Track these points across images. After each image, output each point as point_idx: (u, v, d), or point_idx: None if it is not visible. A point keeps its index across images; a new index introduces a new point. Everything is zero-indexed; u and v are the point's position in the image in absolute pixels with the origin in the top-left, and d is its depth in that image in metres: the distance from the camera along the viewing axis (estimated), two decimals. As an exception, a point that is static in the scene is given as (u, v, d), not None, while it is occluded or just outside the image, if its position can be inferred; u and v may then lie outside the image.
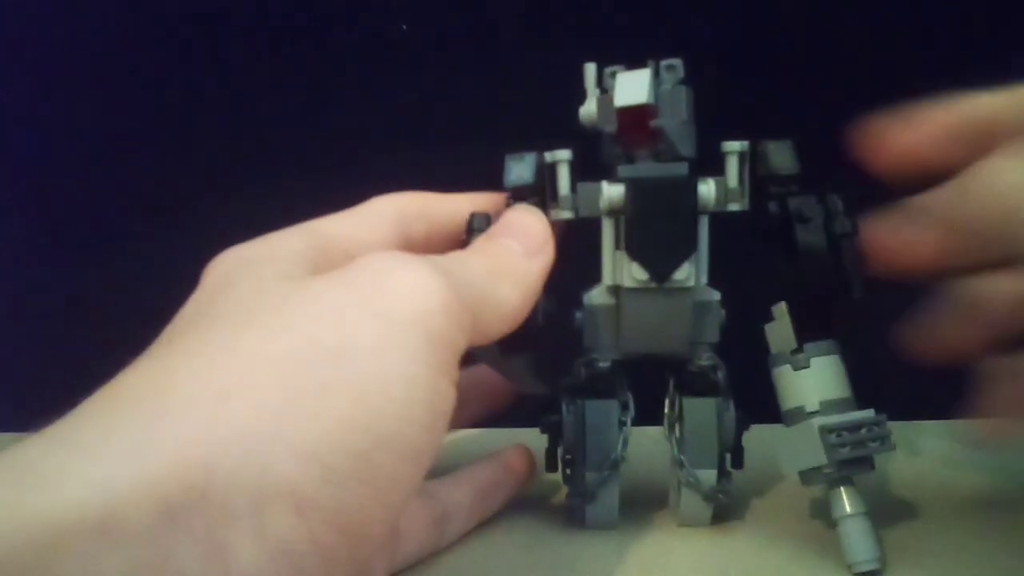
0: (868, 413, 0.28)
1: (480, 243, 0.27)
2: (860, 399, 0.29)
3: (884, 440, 0.28)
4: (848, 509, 0.28)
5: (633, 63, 0.29)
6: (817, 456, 0.28)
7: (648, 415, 0.32)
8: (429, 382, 0.21)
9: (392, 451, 0.20)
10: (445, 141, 0.42)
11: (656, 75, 0.29)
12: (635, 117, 0.28)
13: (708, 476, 0.31)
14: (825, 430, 0.28)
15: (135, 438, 0.18)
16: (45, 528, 0.16)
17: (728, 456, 0.32)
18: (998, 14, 0.40)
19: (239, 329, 0.21)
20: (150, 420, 0.18)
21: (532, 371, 0.30)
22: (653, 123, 0.28)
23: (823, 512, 0.30)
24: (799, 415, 0.29)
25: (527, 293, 0.26)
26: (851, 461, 0.28)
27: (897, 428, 0.28)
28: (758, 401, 0.30)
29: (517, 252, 0.27)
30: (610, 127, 0.29)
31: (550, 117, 0.30)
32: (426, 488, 0.30)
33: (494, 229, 0.28)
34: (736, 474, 0.32)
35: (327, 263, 0.25)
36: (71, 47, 0.44)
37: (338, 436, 0.19)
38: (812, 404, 0.28)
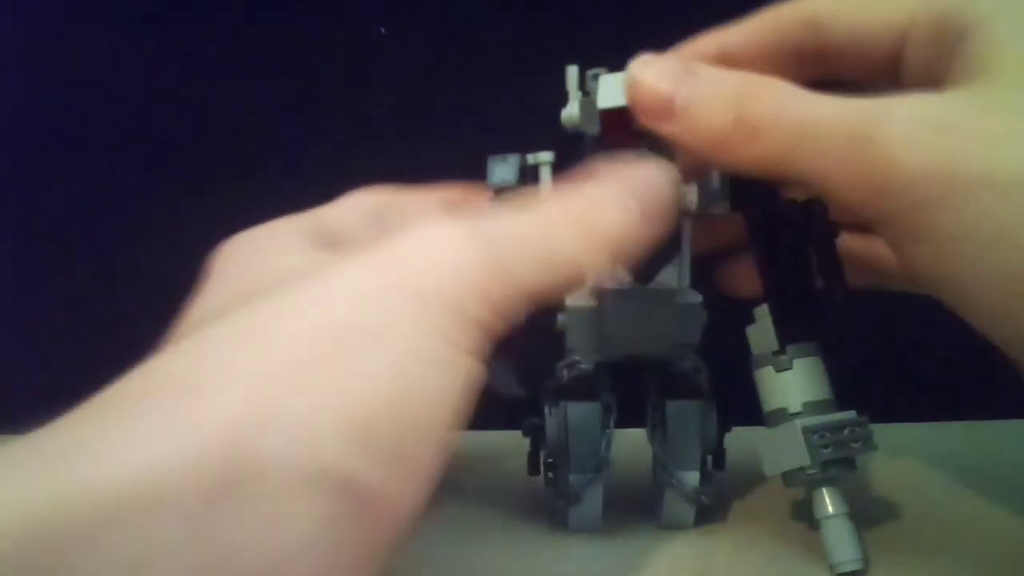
0: (850, 414, 0.28)
1: (591, 187, 0.24)
2: (841, 401, 0.29)
3: (866, 441, 0.28)
4: (831, 510, 0.28)
5: (615, 66, 0.29)
6: (800, 457, 0.28)
7: (631, 417, 0.32)
8: (455, 362, 0.21)
9: (423, 427, 0.20)
10: (426, 143, 0.41)
11: None
12: (617, 119, 0.28)
13: (691, 478, 0.31)
14: (808, 431, 0.28)
15: (180, 414, 0.18)
16: (97, 502, 0.16)
17: (709, 459, 0.32)
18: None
19: (271, 308, 0.21)
20: (193, 397, 0.18)
21: (511, 373, 0.30)
22: (636, 125, 0.28)
23: (806, 513, 0.30)
24: (781, 416, 0.29)
25: (606, 251, 0.23)
26: (834, 462, 0.28)
27: (878, 430, 0.29)
28: (740, 403, 0.31)
29: (625, 205, 0.24)
30: (592, 129, 0.29)
31: (532, 119, 0.30)
32: None
33: (618, 170, 0.25)
34: (719, 476, 0.32)
35: (329, 242, 0.26)
36: (68, 51, 0.44)
37: (376, 414, 0.19)
38: (795, 405, 0.28)
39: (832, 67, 0.28)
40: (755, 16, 0.29)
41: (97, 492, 0.16)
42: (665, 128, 0.26)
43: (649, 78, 0.26)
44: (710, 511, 0.32)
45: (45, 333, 0.46)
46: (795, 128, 0.24)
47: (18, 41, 0.44)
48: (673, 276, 0.29)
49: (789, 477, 0.29)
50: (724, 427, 0.32)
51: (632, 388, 0.32)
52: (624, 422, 0.32)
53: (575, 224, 0.23)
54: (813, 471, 0.28)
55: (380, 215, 0.29)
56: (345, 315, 0.20)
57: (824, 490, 0.28)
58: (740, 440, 0.31)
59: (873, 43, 0.27)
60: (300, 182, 0.42)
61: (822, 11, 0.28)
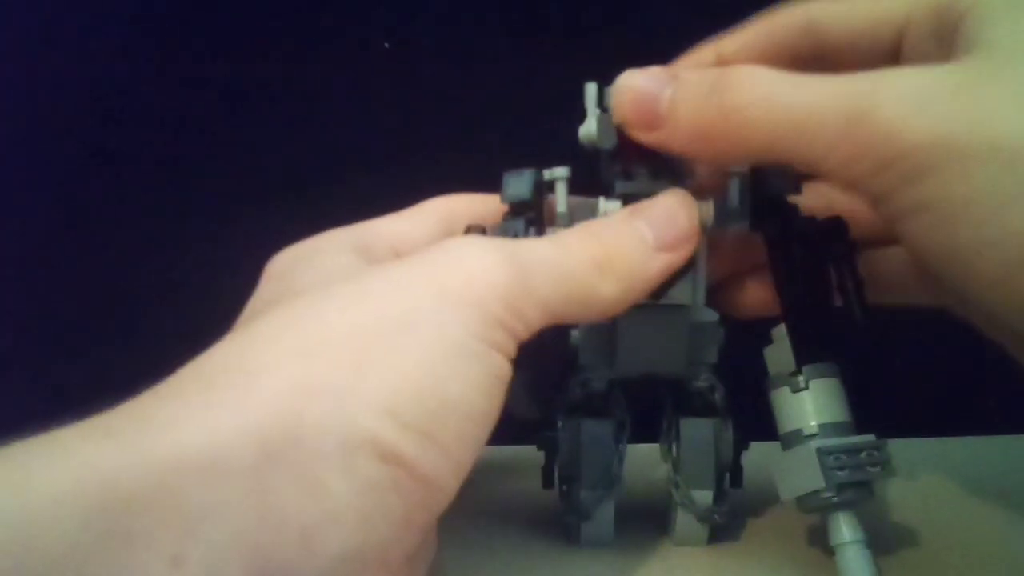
0: (869, 437, 0.28)
1: (608, 223, 0.27)
2: (861, 422, 0.28)
3: (884, 465, 0.27)
4: (846, 536, 0.28)
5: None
6: (814, 480, 0.27)
7: (647, 431, 0.32)
8: (484, 355, 0.23)
9: (458, 411, 0.22)
10: (432, 158, 0.41)
11: None
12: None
13: (703, 497, 0.31)
14: (823, 453, 0.27)
15: (232, 392, 0.20)
16: (166, 465, 0.19)
17: (727, 476, 0.31)
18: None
19: (316, 302, 0.23)
20: (244, 377, 0.21)
21: (527, 392, 0.30)
22: None
23: (822, 537, 0.30)
24: (796, 438, 0.28)
25: (634, 290, 0.26)
26: (850, 486, 0.27)
27: (900, 446, 0.28)
28: (763, 419, 0.30)
29: (644, 242, 0.26)
30: (609, 143, 0.28)
31: (547, 135, 0.30)
32: None
33: (637, 206, 0.27)
34: (737, 493, 0.31)
35: (373, 256, 0.28)
36: (91, 61, 0.44)
37: (410, 396, 0.21)
38: (810, 427, 0.28)
39: (830, 68, 0.28)
40: (750, 23, 0.29)
41: (160, 459, 0.19)
42: (654, 137, 0.26)
43: (632, 91, 0.26)
44: (725, 529, 0.32)
45: (73, 334, 0.46)
46: (784, 111, 0.24)
47: (42, 51, 0.44)
48: (686, 292, 0.28)
49: (804, 501, 0.28)
50: (741, 444, 0.31)
51: (648, 403, 0.32)
52: (640, 437, 0.32)
53: (591, 257, 0.25)
54: (828, 495, 0.27)
55: (453, 222, 0.30)
56: (379, 307, 0.22)
57: (840, 515, 0.28)
58: (762, 457, 0.31)
59: (872, 40, 0.27)
60: (306, 195, 0.42)
61: (819, 13, 0.28)
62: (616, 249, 0.26)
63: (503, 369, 0.23)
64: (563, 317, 0.25)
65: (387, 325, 0.22)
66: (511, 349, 0.24)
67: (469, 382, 0.22)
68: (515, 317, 0.23)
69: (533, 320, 0.24)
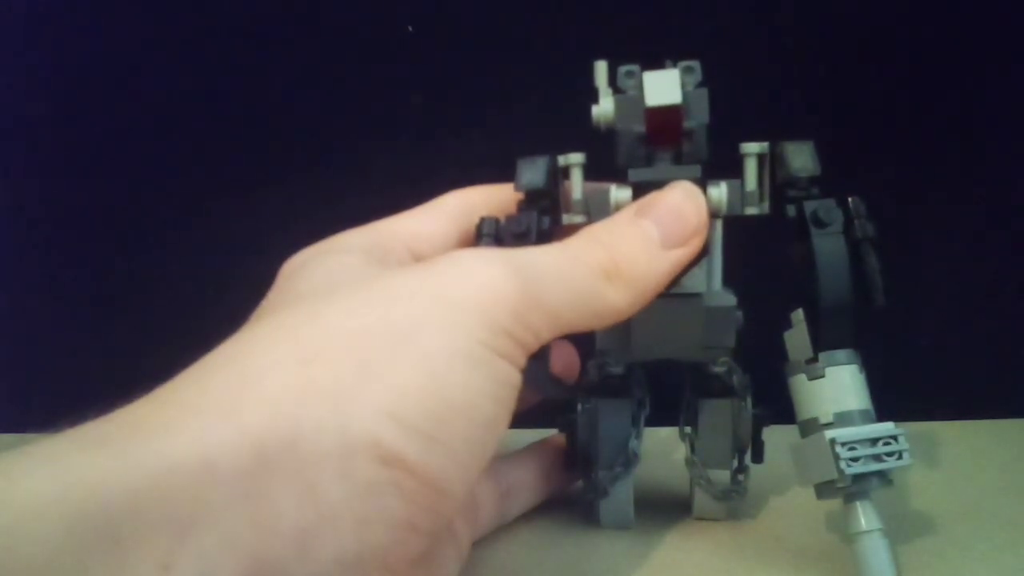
0: (885, 426, 0.27)
1: (614, 226, 0.27)
2: (882, 407, 0.28)
3: (901, 455, 0.27)
4: (863, 525, 0.27)
5: (639, 62, 0.28)
6: (828, 470, 0.27)
7: (670, 416, 0.32)
8: (490, 362, 0.22)
9: (464, 416, 0.22)
10: (454, 143, 0.41)
11: None
12: (667, 117, 0.27)
13: (721, 476, 0.31)
14: (837, 443, 0.27)
15: (228, 396, 0.21)
16: (156, 472, 0.19)
17: (745, 453, 0.31)
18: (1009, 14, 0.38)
19: (319, 307, 0.23)
20: (241, 381, 0.21)
21: (550, 375, 0.30)
22: (686, 124, 0.27)
23: (840, 522, 0.29)
24: (813, 426, 0.28)
25: (645, 293, 0.26)
26: (865, 476, 0.27)
27: (923, 429, 0.27)
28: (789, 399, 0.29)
29: (651, 241, 0.26)
30: (637, 127, 0.28)
31: (561, 118, 0.29)
32: (491, 464, 0.31)
33: (643, 203, 0.27)
34: (760, 470, 0.31)
35: (387, 256, 0.28)
36: (101, 50, 0.45)
37: (413, 399, 0.21)
38: (826, 416, 0.27)
39: None
40: None
41: (150, 466, 0.19)
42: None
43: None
44: (744, 505, 0.32)
45: (74, 334, 0.46)
46: None
47: (51, 41, 0.45)
48: (700, 280, 0.28)
49: (820, 489, 0.28)
50: (761, 421, 0.31)
51: (670, 384, 0.32)
52: (663, 421, 0.32)
53: (598, 264, 0.25)
54: (843, 485, 0.27)
55: (470, 216, 0.30)
56: (382, 314, 0.22)
57: (857, 505, 0.27)
58: (790, 434, 0.30)
59: None
60: (327, 182, 0.42)
61: None
62: (623, 254, 0.25)
63: (511, 377, 0.23)
64: (574, 326, 0.25)
65: (389, 331, 0.22)
66: (520, 358, 0.23)
67: (474, 387, 0.22)
68: (523, 327, 0.23)
69: (542, 330, 0.24)
